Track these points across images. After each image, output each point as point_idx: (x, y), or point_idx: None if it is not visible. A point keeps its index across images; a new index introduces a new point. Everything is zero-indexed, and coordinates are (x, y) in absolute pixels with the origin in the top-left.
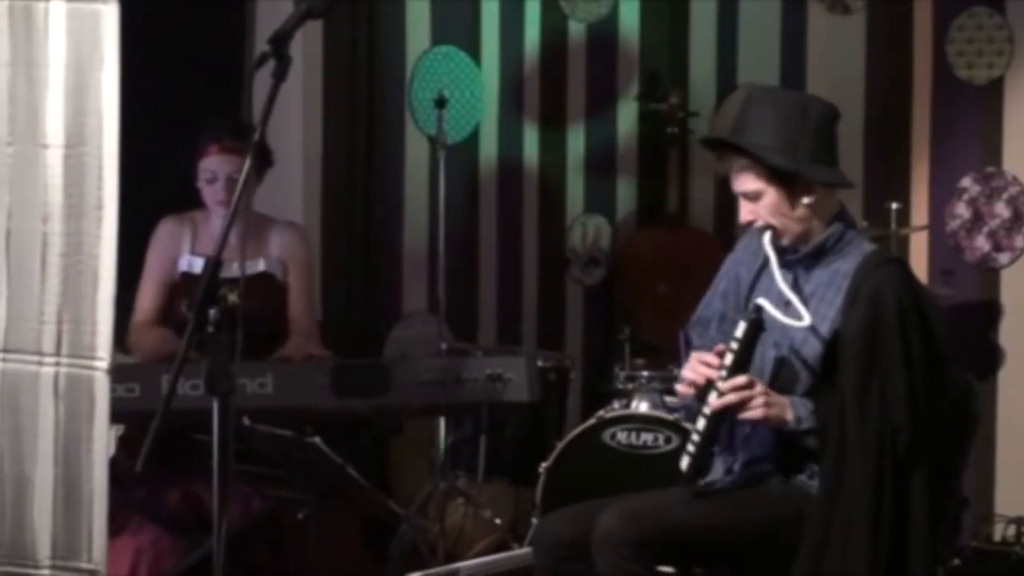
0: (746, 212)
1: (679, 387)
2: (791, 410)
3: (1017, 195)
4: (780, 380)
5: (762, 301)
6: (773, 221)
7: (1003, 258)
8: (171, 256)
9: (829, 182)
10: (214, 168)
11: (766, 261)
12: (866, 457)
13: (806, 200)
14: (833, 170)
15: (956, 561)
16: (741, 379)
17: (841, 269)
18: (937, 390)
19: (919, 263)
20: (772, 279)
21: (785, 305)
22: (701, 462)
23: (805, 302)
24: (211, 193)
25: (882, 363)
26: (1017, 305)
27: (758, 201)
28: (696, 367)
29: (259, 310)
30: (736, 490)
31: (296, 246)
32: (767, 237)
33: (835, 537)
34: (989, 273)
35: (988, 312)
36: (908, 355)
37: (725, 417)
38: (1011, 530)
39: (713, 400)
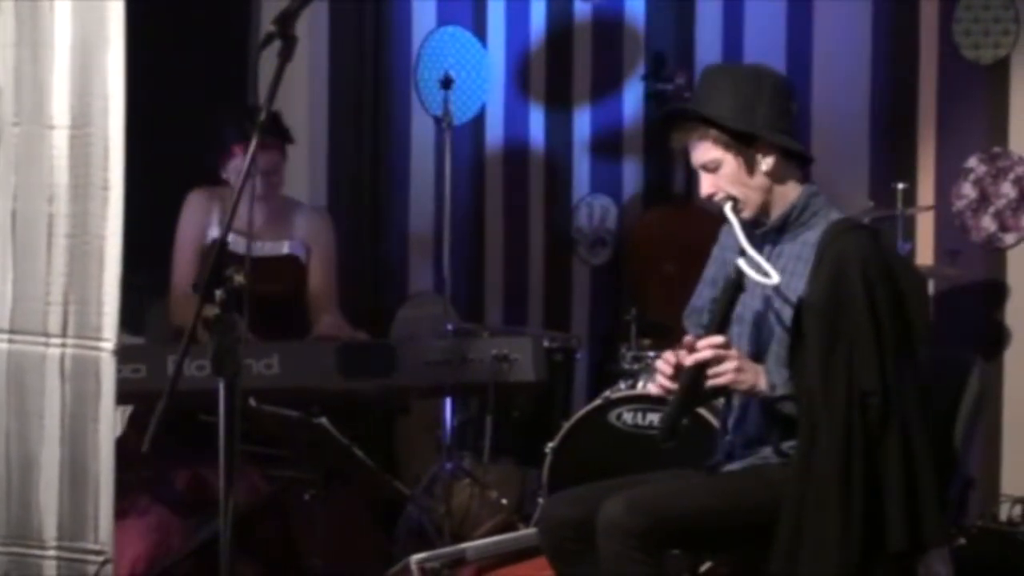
0: (707, 185)
1: (651, 388)
2: (764, 377)
3: (1023, 175)
4: (758, 340)
5: (741, 262)
6: (734, 191)
7: (1009, 238)
8: (201, 226)
9: (786, 145)
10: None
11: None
12: (833, 424)
13: (764, 167)
14: (790, 139)
15: (961, 541)
16: (718, 338)
17: (809, 240)
18: (909, 353)
19: (925, 243)
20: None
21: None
22: (673, 421)
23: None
24: (248, 186)
25: (848, 328)
26: (1023, 285)
27: (717, 172)
28: (663, 367)
29: (279, 292)
30: (737, 474)
31: (321, 230)
32: (729, 206)
33: (809, 506)
34: (995, 253)
35: (994, 292)
36: (876, 319)
37: (700, 376)
38: (1017, 510)
39: (687, 359)
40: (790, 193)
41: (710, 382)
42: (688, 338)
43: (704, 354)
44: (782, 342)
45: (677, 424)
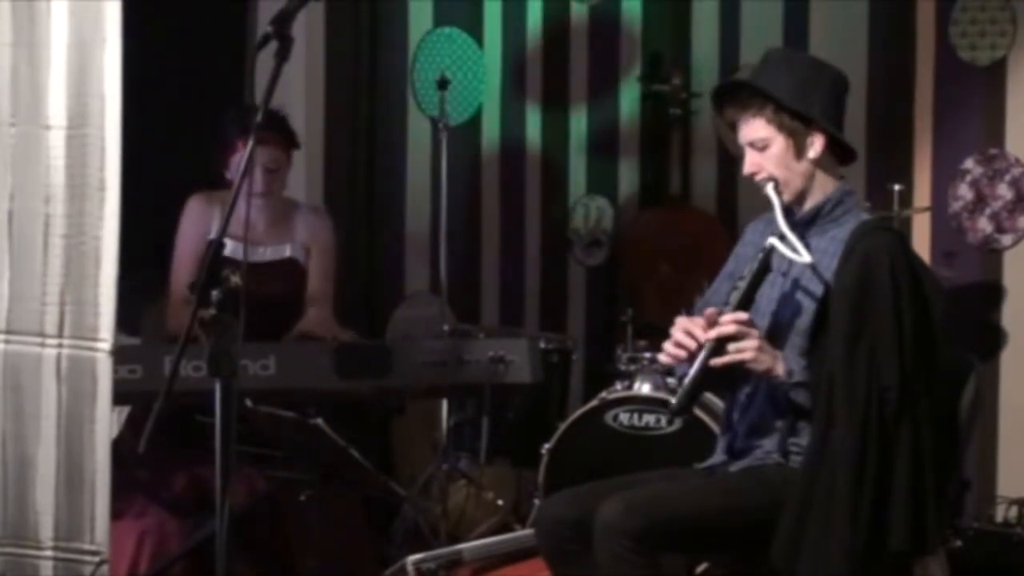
0: (750, 163)
1: (662, 357)
2: (782, 363)
3: (1020, 177)
4: (775, 329)
5: (773, 240)
6: (776, 172)
7: (1005, 240)
8: (201, 232)
9: (837, 136)
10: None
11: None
12: (852, 415)
13: (811, 154)
14: (840, 131)
15: (958, 542)
16: (742, 314)
17: (838, 236)
18: (928, 354)
19: (922, 245)
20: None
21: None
22: (689, 396)
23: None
24: (249, 183)
25: (871, 322)
26: (1019, 287)
27: (765, 151)
28: (680, 337)
29: (282, 295)
30: (735, 475)
31: (319, 230)
32: (771, 187)
33: (818, 497)
34: (991, 255)
35: (990, 294)
36: (899, 316)
37: (720, 351)
38: (1013, 511)
39: (711, 332)
40: (828, 185)
41: (730, 357)
42: (711, 310)
43: (728, 328)
44: (801, 332)
45: (693, 399)
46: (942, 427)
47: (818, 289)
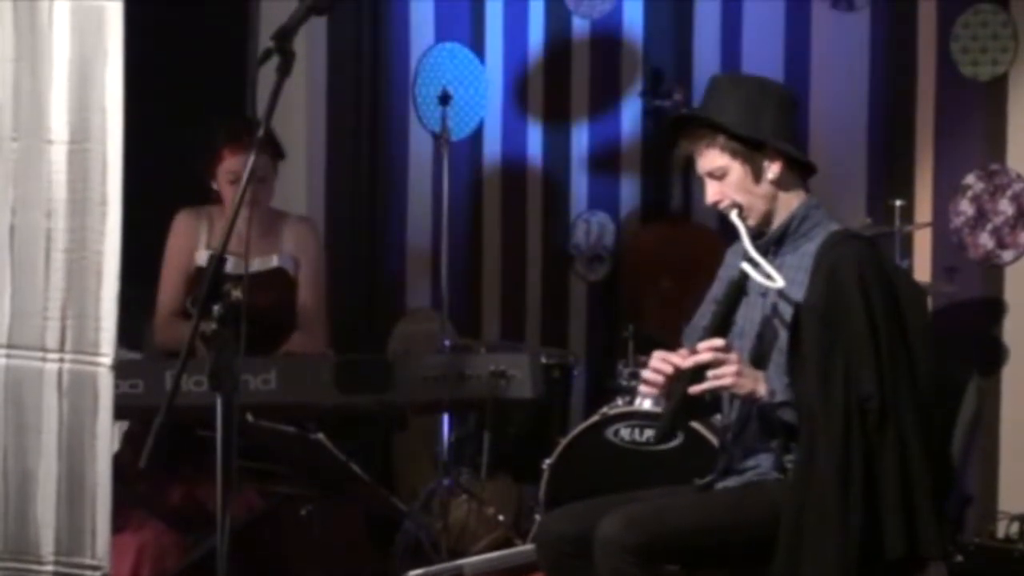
0: (712, 192)
1: (641, 387)
2: (764, 384)
3: (1021, 192)
4: (759, 351)
5: (744, 266)
6: (739, 198)
7: (1007, 255)
8: (188, 249)
9: (792, 154)
10: (236, 168)
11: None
12: (832, 431)
13: (770, 175)
14: (794, 148)
15: (959, 558)
16: (718, 341)
17: (808, 251)
18: (907, 359)
19: (923, 260)
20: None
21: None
22: (670, 425)
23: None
24: (235, 193)
25: (844, 333)
26: (1021, 302)
27: (724, 179)
28: (657, 365)
29: (272, 306)
30: (735, 490)
31: (308, 240)
32: (735, 213)
33: (809, 514)
34: (993, 270)
35: (992, 309)
36: (872, 323)
37: (699, 379)
38: (1014, 527)
39: (687, 360)
40: (792, 203)
41: (710, 384)
42: (683, 351)
43: (703, 356)
44: (782, 350)
45: (674, 428)
46: (932, 434)
47: (790, 307)
